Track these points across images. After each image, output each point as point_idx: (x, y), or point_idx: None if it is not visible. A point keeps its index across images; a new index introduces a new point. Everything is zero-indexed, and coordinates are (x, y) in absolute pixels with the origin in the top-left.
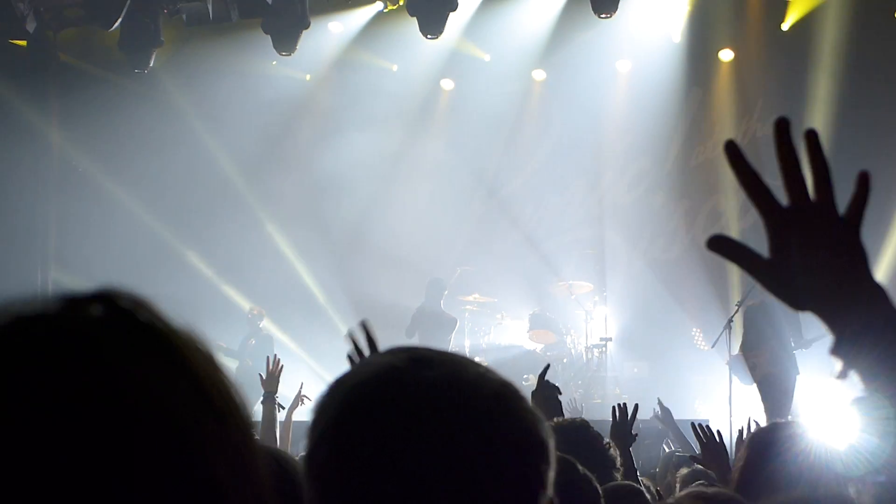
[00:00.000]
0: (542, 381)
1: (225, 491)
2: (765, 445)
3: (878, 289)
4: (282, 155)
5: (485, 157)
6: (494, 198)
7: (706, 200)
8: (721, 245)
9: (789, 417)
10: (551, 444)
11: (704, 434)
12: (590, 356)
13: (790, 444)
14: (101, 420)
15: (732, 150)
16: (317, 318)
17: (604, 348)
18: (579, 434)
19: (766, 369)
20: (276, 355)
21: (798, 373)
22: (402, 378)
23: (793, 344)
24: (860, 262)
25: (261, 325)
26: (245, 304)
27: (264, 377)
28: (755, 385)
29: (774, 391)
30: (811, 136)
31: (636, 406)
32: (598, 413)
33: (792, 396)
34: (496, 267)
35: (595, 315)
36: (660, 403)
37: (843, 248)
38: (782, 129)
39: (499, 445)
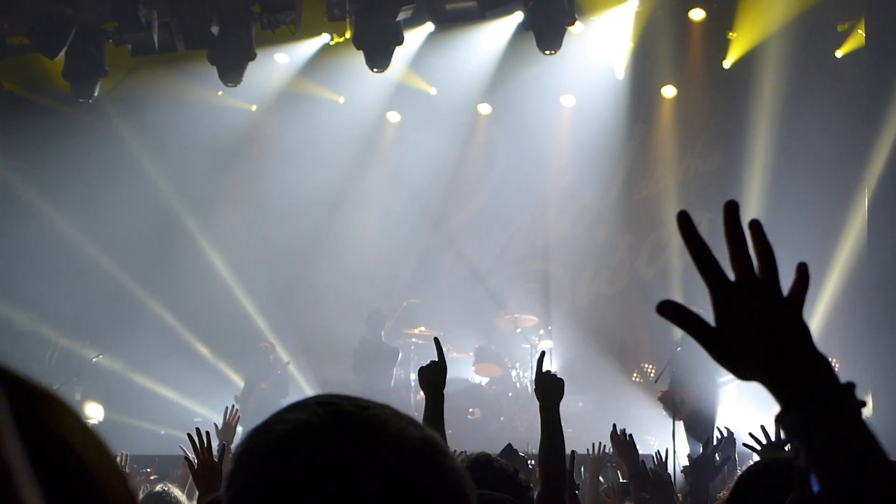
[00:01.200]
0: (541, 371)
1: None
2: (754, 483)
3: (821, 360)
4: (228, 186)
5: (430, 190)
6: (440, 231)
7: (650, 234)
8: (670, 311)
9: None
10: (475, 499)
11: (615, 433)
12: (532, 390)
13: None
14: None
15: (685, 222)
16: (261, 352)
17: None
18: (485, 472)
19: (693, 406)
20: (233, 406)
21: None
22: (317, 437)
23: (720, 380)
24: (802, 337)
25: (272, 358)
26: (186, 335)
27: (219, 427)
28: (681, 420)
29: (699, 426)
30: (755, 226)
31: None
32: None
33: (713, 429)
34: (442, 300)
35: (540, 348)
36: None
37: (785, 324)
38: (730, 211)
39: None
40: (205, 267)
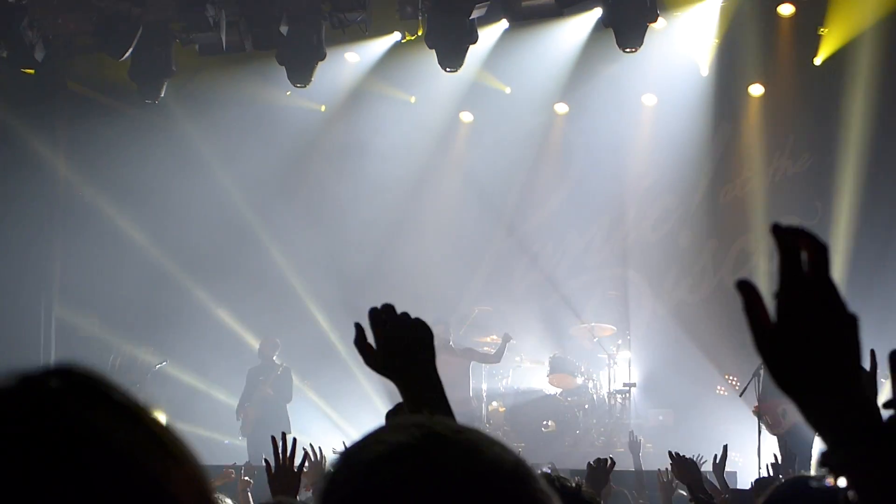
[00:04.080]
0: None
1: None
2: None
3: (867, 389)
4: (295, 188)
5: (504, 193)
6: (513, 235)
7: (735, 240)
8: (744, 289)
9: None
10: None
11: (672, 455)
12: (612, 402)
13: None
14: (77, 473)
15: (748, 291)
16: (332, 363)
17: (627, 394)
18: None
19: (796, 418)
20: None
21: None
22: (415, 460)
23: None
24: (857, 356)
25: (275, 357)
26: (253, 343)
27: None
28: (780, 435)
29: (798, 441)
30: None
31: (612, 461)
32: (621, 462)
33: (812, 445)
34: (514, 307)
35: (618, 359)
36: (631, 434)
37: (847, 338)
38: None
39: None
40: (273, 273)
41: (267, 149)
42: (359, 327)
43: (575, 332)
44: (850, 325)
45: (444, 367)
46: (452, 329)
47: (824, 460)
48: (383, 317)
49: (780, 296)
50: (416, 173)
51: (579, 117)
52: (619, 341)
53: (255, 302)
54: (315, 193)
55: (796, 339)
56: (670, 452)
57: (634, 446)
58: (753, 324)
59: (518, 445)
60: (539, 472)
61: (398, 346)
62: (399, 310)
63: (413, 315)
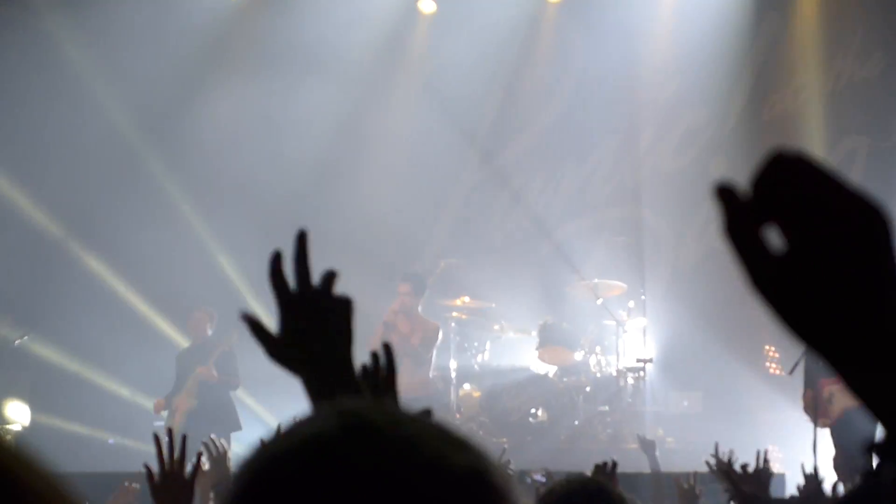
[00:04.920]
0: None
1: None
2: None
3: None
4: (200, 105)
5: (478, 109)
6: (490, 164)
7: None
8: (727, 196)
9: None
10: None
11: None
12: (622, 384)
13: None
14: None
15: (728, 198)
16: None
17: (641, 373)
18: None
19: (845, 403)
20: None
21: None
22: (329, 456)
23: None
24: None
25: (211, 334)
26: (146, 310)
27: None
28: (830, 427)
29: (852, 434)
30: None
31: (614, 464)
32: (633, 463)
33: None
34: (492, 260)
35: (629, 327)
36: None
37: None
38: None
39: None
40: (171, 215)
41: (162, 54)
42: (249, 319)
43: (573, 292)
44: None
45: (402, 339)
46: (425, 291)
47: (881, 449)
48: (285, 285)
49: (779, 203)
50: (360, 84)
51: (579, 9)
52: (631, 304)
53: (150, 252)
54: (226, 111)
55: (819, 262)
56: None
57: (648, 444)
58: (745, 251)
59: (497, 442)
60: (528, 479)
61: (304, 332)
62: (342, 267)
63: (356, 278)
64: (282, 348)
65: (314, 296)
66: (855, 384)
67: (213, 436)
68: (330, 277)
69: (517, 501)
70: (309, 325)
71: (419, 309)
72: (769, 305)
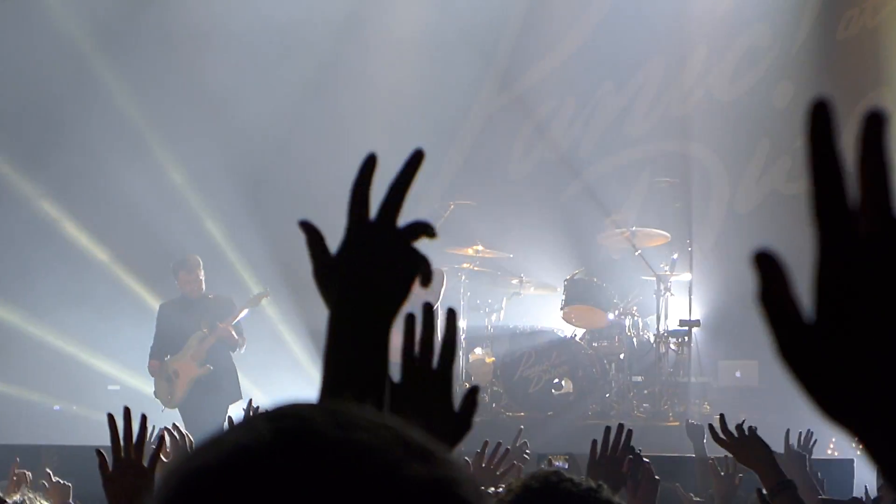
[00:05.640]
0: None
1: None
2: None
3: None
4: (151, 27)
5: (497, 24)
6: (511, 90)
7: (862, 97)
8: (762, 263)
9: None
10: None
11: (720, 431)
12: (663, 350)
13: None
14: None
15: (767, 266)
16: (232, 290)
17: (686, 338)
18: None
19: None
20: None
21: None
22: (256, 470)
23: None
24: None
25: (202, 278)
26: (98, 255)
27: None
28: None
29: None
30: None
31: (629, 431)
32: (675, 443)
33: None
34: (512, 203)
35: (673, 284)
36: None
37: None
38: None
39: None
40: (134, 151)
41: None
42: (309, 228)
43: (606, 242)
44: None
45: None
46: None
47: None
48: (366, 203)
49: (819, 273)
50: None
51: None
52: (676, 255)
53: (102, 192)
54: (203, 18)
55: (852, 338)
56: (720, 431)
57: (695, 431)
58: (776, 319)
59: (512, 418)
60: (548, 466)
61: (362, 265)
62: (331, 213)
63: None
64: (333, 269)
65: (393, 236)
66: (878, 455)
67: (174, 423)
68: (419, 228)
69: None
70: (371, 261)
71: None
72: (797, 376)
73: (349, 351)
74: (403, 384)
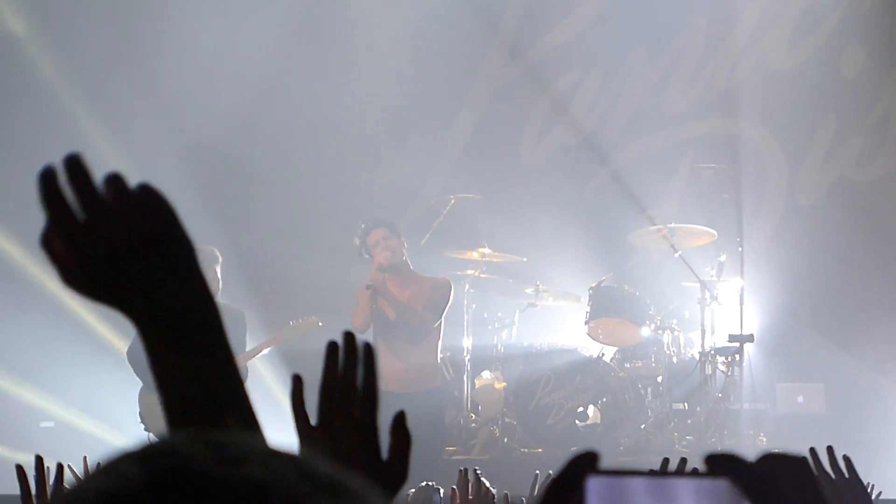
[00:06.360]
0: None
1: None
2: None
3: None
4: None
5: None
6: (523, 60)
7: None
8: (716, 465)
9: None
10: None
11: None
12: (709, 372)
13: None
14: None
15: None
16: None
17: (737, 357)
18: None
19: None
20: None
21: None
22: None
23: None
24: None
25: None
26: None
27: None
28: None
29: None
30: None
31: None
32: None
33: None
34: (524, 193)
35: (721, 292)
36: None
37: None
38: None
39: None
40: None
41: None
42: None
43: (639, 241)
44: None
45: (397, 307)
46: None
47: None
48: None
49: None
50: None
51: None
52: (723, 257)
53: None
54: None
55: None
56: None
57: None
58: None
59: (529, 452)
60: None
61: (114, 251)
62: (312, 205)
63: (333, 223)
64: (77, 273)
65: (126, 203)
66: None
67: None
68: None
69: None
70: (131, 241)
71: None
72: None
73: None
74: (318, 429)
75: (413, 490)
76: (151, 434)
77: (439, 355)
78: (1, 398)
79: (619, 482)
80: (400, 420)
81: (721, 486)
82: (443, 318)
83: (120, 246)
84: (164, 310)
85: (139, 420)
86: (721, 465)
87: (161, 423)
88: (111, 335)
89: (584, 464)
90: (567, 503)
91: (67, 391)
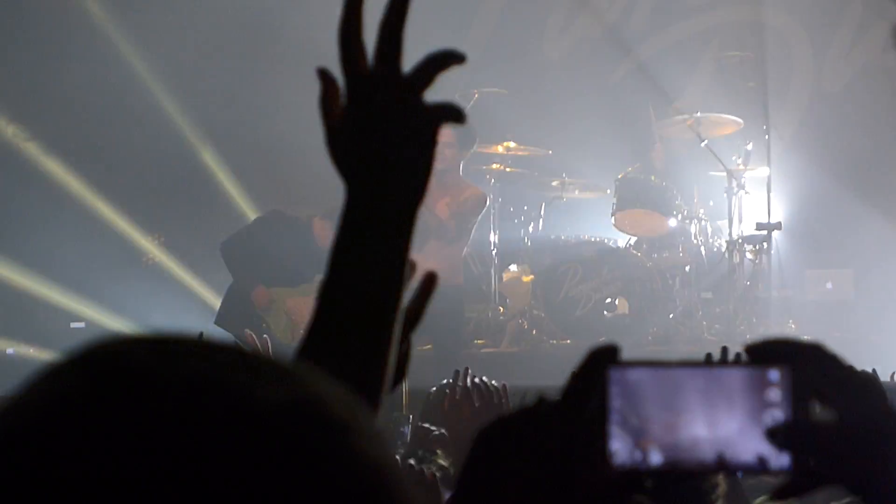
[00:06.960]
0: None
1: None
2: None
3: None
4: None
5: None
6: None
7: None
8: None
9: None
10: None
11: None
12: (737, 261)
13: None
14: None
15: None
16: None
17: (765, 245)
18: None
19: None
20: None
21: None
22: (70, 435)
23: None
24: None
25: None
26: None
27: None
28: None
29: None
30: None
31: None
32: None
33: None
34: (549, 88)
35: (748, 180)
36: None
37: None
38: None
39: None
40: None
41: None
42: (325, 76)
43: (665, 132)
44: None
45: (426, 212)
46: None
47: None
48: (360, 49)
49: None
50: None
51: None
52: (750, 146)
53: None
54: None
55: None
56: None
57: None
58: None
59: (557, 343)
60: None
61: (374, 128)
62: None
63: None
64: (343, 135)
65: (402, 87)
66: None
67: None
68: (444, 111)
69: (367, 437)
70: (381, 124)
71: (460, 170)
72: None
73: (361, 255)
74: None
75: (434, 388)
76: (229, 334)
77: (463, 252)
78: (30, 299)
79: (647, 372)
80: (431, 276)
81: (773, 375)
82: (472, 226)
83: (391, 121)
84: (388, 200)
85: (215, 320)
86: (778, 352)
87: (245, 322)
88: (145, 242)
89: (604, 356)
90: (588, 395)
91: (99, 293)
